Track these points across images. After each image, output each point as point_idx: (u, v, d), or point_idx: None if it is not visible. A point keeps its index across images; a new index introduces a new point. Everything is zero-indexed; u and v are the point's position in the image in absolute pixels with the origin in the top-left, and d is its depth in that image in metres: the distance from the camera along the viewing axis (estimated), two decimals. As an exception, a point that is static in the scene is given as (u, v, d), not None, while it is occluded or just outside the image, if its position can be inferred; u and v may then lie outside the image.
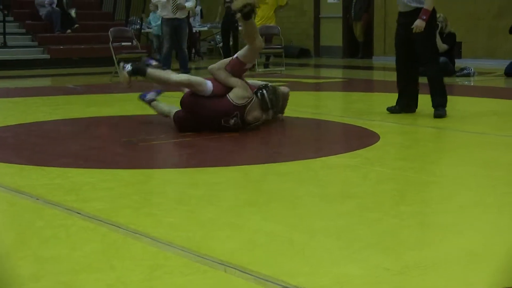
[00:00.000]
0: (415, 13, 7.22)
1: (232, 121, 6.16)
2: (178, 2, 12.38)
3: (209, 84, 6.26)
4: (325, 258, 2.99)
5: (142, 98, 6.87)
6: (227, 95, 6.19)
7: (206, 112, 6.17)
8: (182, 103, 6.39)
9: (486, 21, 15.74)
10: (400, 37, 7.47)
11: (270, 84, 6.57)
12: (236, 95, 6.18)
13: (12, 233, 3.52)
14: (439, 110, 7.22)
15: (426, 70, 7.47)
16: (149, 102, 6.78)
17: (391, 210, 3.82)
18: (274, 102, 6.37)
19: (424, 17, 7.15)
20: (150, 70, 6.53)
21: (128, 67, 6.53)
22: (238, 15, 6.17)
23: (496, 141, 5.99)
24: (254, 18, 6.46)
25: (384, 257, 2.99)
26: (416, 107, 7.44)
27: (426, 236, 3.33)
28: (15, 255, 3.12)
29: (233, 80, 6.29)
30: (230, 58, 6.55)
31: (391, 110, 7.35)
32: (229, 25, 16.67)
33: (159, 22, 16.09)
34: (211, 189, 4.31)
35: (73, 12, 17.04)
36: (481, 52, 15.68)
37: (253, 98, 6.24)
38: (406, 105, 7.38)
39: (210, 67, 6.58)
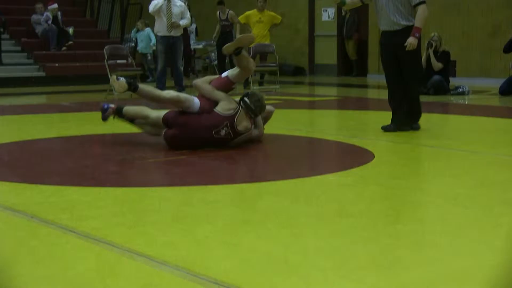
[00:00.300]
0: (403, 31, 7.28)
1: (222, 131, 6.23)
2: (173, 20, 12.42)
3: (196, 101, 6.38)
4: (320, 278, 2.98)
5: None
6: (214, 109, 6.29)
7: (197, 127, 6.24)
8: (170, 122, 6.37)
9: (480, 40, 15.81)
10: (389, 57, 7.52)
11: (250, 90, 6.64)
12: (223, 108, 6.29)
13: (6, 251, 3.50)
14: (417, 124, 7.46)
15: (410, 91, 7.49)
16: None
17: (387, 229, 3.82)
18: (259, 105, 6.41)
19: (417, 35, 7.21)
20: (141, 86, 6.63)
21: (122, 79, 6.60)
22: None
23: (491, 159, 6.00)
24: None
25: (380, 277, 2.98)
26: (411, 125, 7.45)
27: (421, 256, 3.31)
28: (9, 273, 3.11)
29: (217, 94, 6.43)
30: (217, 75, 6.64)
31: (386, 128, 7.36)
32: (224, 43, 16.71)
33: (148, 41, 16.21)
34: (206, 207, 4.30)
35: (70, 30, 17.07)
36: (476, 70, 15.74)
37: (239, 108, 6.31)
38: (401, 123, 7.40)
39: (194, 81, 6.74)
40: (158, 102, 6.91)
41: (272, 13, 15.44)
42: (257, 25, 15.05)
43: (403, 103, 7.45)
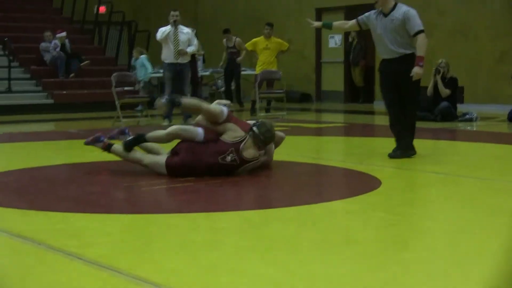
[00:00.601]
0: (402, 59, 7.39)
1: (228, 157, 6.24)
2: (180, 48, 12.48)
3: (199, 131, 6.41)
4: (327, 305, 2.99)
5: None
6: (220, 138, 6.35)
7: (202, 153, 6.28)
8: (178, 150, 6.44)
9: (488, 66, 15.82)
10: (389, 84, 7.62)
11: (261, 120, 6.63)
12: (229, 136, 6.35)
13: (14, 278, 3.51)
14: (412, 150, 7.46)
15: (409, 115, 7.57)
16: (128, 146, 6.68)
17: (394, 257, 3.82)
18: (267, 134, 6.41)
19: (421, 64, 7.30)
20: (148, 134, 6.62)
21: (128, 135, 6.71)
22: None
23: (499, 186, 5.99)
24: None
25: (386, 304, 2.98)
26: (415, 150, 7.48)
27: (430, 284, 3.31)
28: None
29: (222, 127, 6.43)
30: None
31: (393, 155, 7.37)
32: (232, 70, 16.83)
33: (148, 70, 16.31)
34: (213, 234, 4.31)
35: (84, 61, 17.15)
36: (483, 97, 15.73)
37: (246, 137, 6.33)
38: (407, 148, 7.42)
39: (196, 119, 6.75)
40: (163, 142, 6.89)
41: (279, 40, 15.49)
42: (264, 52, 15.10)
43: (404, 128, 7.50)
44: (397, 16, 7.46)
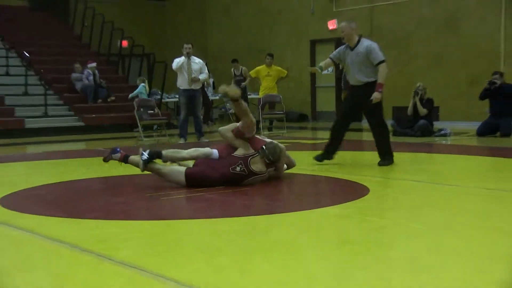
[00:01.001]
0: (366, 86, 7.64)
1: (238, 168, 6.36)
2: (193, 76, 12.53)
3: (214, 152, 6.57)
4: (325, 297, 2.98)
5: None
6: (232, 154, 6.49)
7: (218, 166, 6.40)
8: (197, 164, 6.57)
9: (460, 89, 15.87)
10: (350, 104, 7.93)
11: (273, 141, 6.67)
12: (239, 152, 6.49)
13: (51, 277, 3.52)
14: (389, 159, 7.81)
15: (378, 133, 7.85)
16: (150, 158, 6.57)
17: (383, 256, 3.81)
18: (274, 155, 6.47)
19: (380, 90, 7.55)
20: (165, 152, 6.65)
21: (145, 155, 6.54)
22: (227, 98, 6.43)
23: (470, 192, 5.98)
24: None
25: (377, 296, 2.98)
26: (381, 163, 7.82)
27: (415, 280, 3.29)
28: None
29: (237, 142, 6.56)
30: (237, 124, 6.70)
31: (319, 159, 7.95)
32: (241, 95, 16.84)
33: (143, 95, 16.45)
34: (225, 237, 4.31)
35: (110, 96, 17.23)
36: (456, 115, 15.76)
37: (255, 153, 6.45)
38: (331, 154, 7.96)
39: (219, 128, 6.84)
40: (178, 161, 6.86)
41: (279, 68, 15.58)
42: (266, 79, 15.20)
43: (338, 141, 8.03)
44: (361, 50, 7.73)
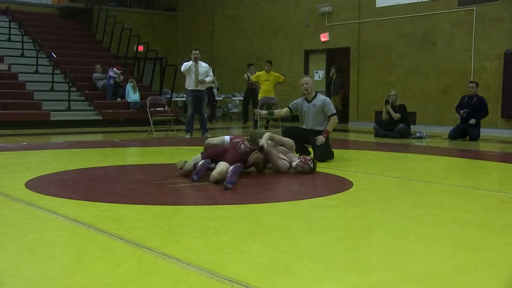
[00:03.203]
0: (317, 132, 7.94)
1: (242, 146, 6.64)
2: (200, 78, 12.50)
3: (226, 138, 7.13)
4: (310, 278, 2.97)
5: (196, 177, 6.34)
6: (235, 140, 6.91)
7: (226, 147, 6.71)
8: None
9: (434, 97, 15.88)
10: (303, 141, 8.08)
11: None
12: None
13: (70, 253, 3.50)
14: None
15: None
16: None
17: (363, 241, 3.80)
18: (256, 135, 6.74)
19: (326, 135, 7.90)
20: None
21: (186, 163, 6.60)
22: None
23: (441, 188, 5.98)
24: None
25: (357, 277, 2.97)
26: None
27: (390, 261, 3.30)
28: (72, 270, 3.11)
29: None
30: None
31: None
32: (251, 97, 16.99)
33: (133, 95, 16.49)
34: (224, 222, 4.29)
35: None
36: (431, 120, 15.78)
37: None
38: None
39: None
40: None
41: (277, 74, 15.63)
42: (265, 83, 15.29)
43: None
44: (317, 103, 8.04)
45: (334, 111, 8.02)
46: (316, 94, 8.14)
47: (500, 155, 9.80)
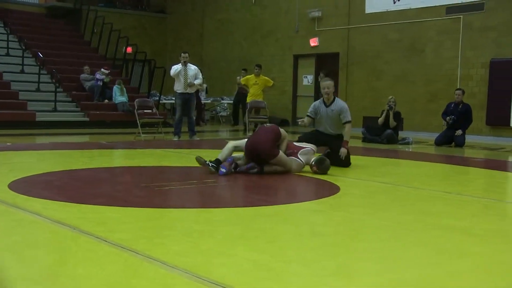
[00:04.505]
0: (334, 136, 7.91)
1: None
2: (189, 81, 12.47)
3: (243, 141, 7.21)
4: (297, 283, 2.95)
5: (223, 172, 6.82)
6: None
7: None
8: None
9: (421, 104, 15.97)
10: (321, 143, 7.98)
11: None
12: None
13: (54, 255, 3.46)
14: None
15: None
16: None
17: (349, 246, 3.79)
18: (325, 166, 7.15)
19: (346, 146, 7.82)
20: (219, 156, 6.98)
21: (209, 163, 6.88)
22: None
23: (427, 194, 5.99)
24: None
25: (343, 282, 2.96)
26: None
27: (376, 267, 3.28)
28: (56, 272, 3.06)
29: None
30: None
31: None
32: (239, 100, 17.00)
33: (120, 96, 16.44)
34: (210, 225, 4.27)
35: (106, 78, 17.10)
36: (418, 126, 15.85)
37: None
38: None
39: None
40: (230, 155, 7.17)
41: (266, 78, 15.65)
42: (253, 86, 15.30)
43: None
44: (335, 108, 7.91)
45: (350, 119, 7.89)
46: (334, 98, 8.01)
47: (484, 161, 9.86)
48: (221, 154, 6.99)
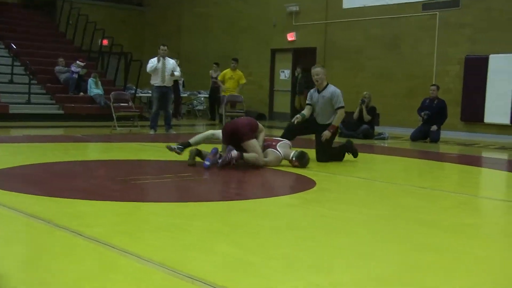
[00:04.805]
0: (327, 126, 7.88)
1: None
2: (168, 74, 12.40)
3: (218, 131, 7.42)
4: (274, 276, 2.97)
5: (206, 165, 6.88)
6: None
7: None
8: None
9: (398, 99, 16.09)
10: (313, 132, 8.13)
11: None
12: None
13: (28, 249, 3.44)
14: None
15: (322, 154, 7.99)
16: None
17: (325, 240, 3.82)
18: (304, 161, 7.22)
19: (332, 130, 7.82)
20: (192, 140, 7.29)
21: (175, 147, 7.16)
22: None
23: (403, 188, 6.06)
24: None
25: (318, 276, 2.98)
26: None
27: (351, 261, 3.32)
28: (31, 266, 3.04)
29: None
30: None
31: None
32: (214, 95, 16.98)
33: (95, 89, 16.32)
34: (187, 219, 4.27)
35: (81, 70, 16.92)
36: (394, 121, 15.98)
37: None
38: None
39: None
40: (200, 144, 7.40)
41: (241, 73, 15.59)
42: (229, 81, 15.31)
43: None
44: (326, 94, 7.90)
45: (342, 104, 7.82)
46: (327, 85, 7.96)
47: (458, 157, 10.00)
48: (194, 138, 7.10)
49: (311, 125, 8.03)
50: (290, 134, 8.10)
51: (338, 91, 7.91)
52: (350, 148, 8.07)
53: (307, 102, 8.16)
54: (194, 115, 20.74)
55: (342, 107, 7.83)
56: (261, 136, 7.25)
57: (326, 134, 7.75)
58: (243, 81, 15.53)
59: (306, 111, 8.12)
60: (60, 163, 7.23)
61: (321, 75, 7.92)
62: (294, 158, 7.16)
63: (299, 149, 7.35)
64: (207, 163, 6.73)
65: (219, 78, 15.77)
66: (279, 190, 6.13)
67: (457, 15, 14.99)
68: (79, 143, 10.12)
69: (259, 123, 7.28)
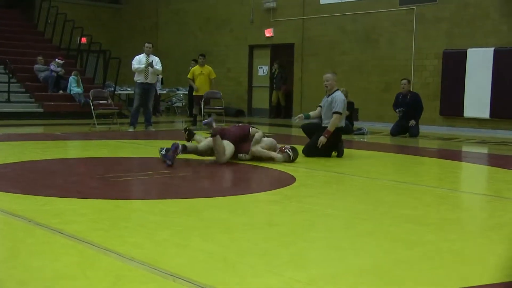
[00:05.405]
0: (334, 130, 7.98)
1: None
2: (151, 69, 12.35)
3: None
4: (251, 272, 2.99)
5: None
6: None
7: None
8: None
9: (376, 94, 16.18)
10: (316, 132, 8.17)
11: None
12: None
13: (7, 247, 3.42)
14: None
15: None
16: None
17: (303, 236, 3.85)
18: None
19: (326, 135, 7.89)
20: (189, 145, 7.15)
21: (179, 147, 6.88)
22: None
23: (383, 184, 6.11)
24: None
25: (297, 272, 3.01)
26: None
27: (329, 256, 3.35)
28: (9, 264, 3.03)
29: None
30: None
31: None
32: (193, 92, 16.82)
33: (76, 88, 16.22)
34: (165, 216, 4.27)
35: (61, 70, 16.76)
36: (373, 116, 16.06)
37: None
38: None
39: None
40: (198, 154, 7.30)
41: (210, 68, 15.17)
42: (199, 77, 14.84)
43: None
44: (329, 99, 8.08)
45: (339, 110, 7.92)
46: (336, 90, 8.14)
47: (438, 151, 10.09)
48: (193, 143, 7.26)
49: (315, 129, 8.26)
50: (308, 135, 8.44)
51: (342, 97, 8.08)
52: (340, 147, 8.15)
53: (319, 105, 8.35)
54: (173, 112, 20.67)
55: (339, 113, 7.95)
56: (257, 136, 7.36)
57: (322, 140, 7.88)
58: (213, 75, 15.19)
59: (312, 112, 8.41)
60: (40, 161, 7.18)
61: (330, 81, 8.13)
62: (288, 147, 7.39)
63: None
64: (169, 162, 6.64)
65: (188, 76, 15.37)
66: (259, 187, 6.14)
67: (434, 10, 15.09)
68: (58, 141, 10.05)
69: (253, 129, 7.47)
